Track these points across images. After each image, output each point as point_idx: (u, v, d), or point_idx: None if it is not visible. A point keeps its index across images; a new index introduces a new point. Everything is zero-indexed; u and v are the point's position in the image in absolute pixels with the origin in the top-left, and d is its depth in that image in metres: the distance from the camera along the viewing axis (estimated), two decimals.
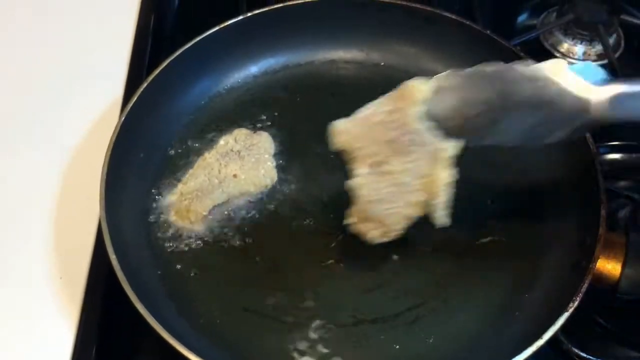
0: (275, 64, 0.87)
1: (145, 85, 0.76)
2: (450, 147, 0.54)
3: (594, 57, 0.97)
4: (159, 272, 0.69)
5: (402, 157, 0.53)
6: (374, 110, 0.55)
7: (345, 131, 0.56)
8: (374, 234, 0.56)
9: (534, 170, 0.76)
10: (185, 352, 0.58)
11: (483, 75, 0.52)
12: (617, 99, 0.48)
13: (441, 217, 0.56)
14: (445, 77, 0.53)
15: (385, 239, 0.57)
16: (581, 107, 0.49)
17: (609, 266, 0.63)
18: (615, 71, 0.91)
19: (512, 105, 0.51)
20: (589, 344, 0.69)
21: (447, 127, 0.53)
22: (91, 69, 0.90)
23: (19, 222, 0.76)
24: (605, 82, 0.49)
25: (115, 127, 0.72)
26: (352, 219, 0.58)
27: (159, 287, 0.68)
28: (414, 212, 0.56)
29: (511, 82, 0.51)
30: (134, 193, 0.73)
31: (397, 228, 0.56)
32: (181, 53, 0.79)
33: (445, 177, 0.54)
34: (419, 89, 0.53)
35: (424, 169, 0.53)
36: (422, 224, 0.73)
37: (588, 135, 0.71)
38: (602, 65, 0.96)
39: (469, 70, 0.53)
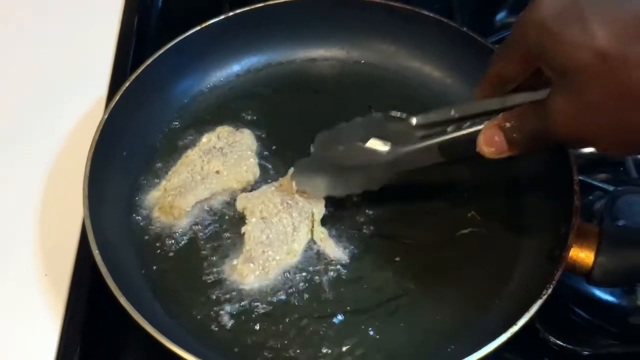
0: (257, 62, 0.88)
1: (127, 84, 0.77)
2: (318, 212, 0.73)
3: None
4: (143, 267, 0.70)
5: (285, 213, 0.72)
6: (271, 185, 0.76)
7: (244, 198, 0.74)
8: (251, 275, 0.69)
9: (510, 163, 0.77)
10: (170, 345, 0.59)
11: (323, 157, 0.73)
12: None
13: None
14: (301, 161, 0.75)
15: (258, 283, 0.69)
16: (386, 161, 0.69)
17: (583, 255, 0.65)
18: None
19: (346, 169, 0.72)
20: (565, 332, 0.71)
21: (308, 193, 0.73)
22: (75, 69, 0.90)
23: (4, 219, 0.77)
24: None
25: (98, 126, 0.73)
26: (237, 260, 0.70)
27: (143, 283, 0.69)
28: (289, 259, 0.70)
29: (342, 155, 0.72)
30: (117, 190, 0.74)
31: (270, 274, 0.69)
32: (164, 52, 0.80)
33: (319, 232, 0.73)
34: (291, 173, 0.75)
35: (299, 223, 0.72)
36: (404, 216, 0.75)
37: None
38: None
39: (314, 154, 0.74)
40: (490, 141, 0.59)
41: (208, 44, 0.84)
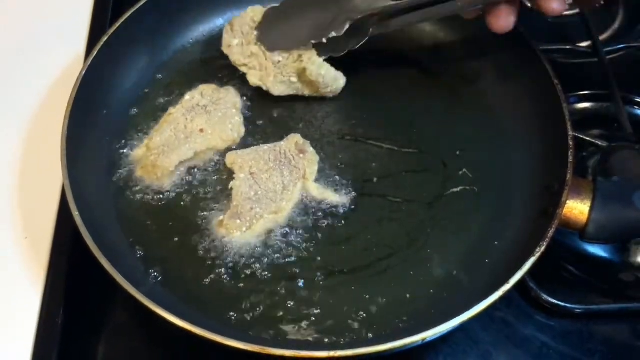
0: None
1: (105, 38, 0.74)
2: (311, 171, 0.71)
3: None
4: (125, 228, 0.68)
5: (276, 171, 0.71)
6: (264, 146, 0.74)
7: (234, 154, 0.72)
8: (238, 232, 0.68)
9: (503, 120, 0.76)
10: (153, 307, 0.58)
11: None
12: None
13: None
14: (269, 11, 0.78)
15: (245, 241, 0.68)
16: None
17: (577, 211, 0.63)
18: (586, 19, 0.90)
19: (312, 11, 0.74)
20: (558, 290, 0.70)
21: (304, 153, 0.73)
22: (53, 24, 0.87)
23: None
24: None
25: (75, 83, 0.70)
26: (224, 216, 0.68)
27: (126, 243, 0.67)
28: (273, 220, 0.69)
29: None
30: (98, 150, 0.72)
31: (257, 231, 0.68)
32: (143, 5, 0.77)
33: (313, 187, 0.71)
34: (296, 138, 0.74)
35: (289, 183, 0.70)
36: (393, 174, 0.73)
37: (557, 82, 0.70)
38: (574, 15, 0.95)
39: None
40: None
41: None
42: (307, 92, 0.77)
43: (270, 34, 0.76)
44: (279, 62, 0.76)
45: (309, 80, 0.75)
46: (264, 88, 0.76)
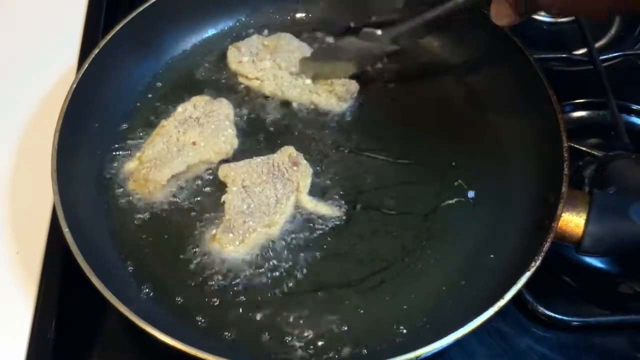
0: (234, 25, 0.85)
1: (96, 51, 0.73)
2: (305, 184, 0.71)
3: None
4: (117, 243, 0.68)
5: (269, 184, 0.70)
6: (258, 158, 0.73)
7: (227, 167, 0.72)
8: (231, 246, 0.67)
9: (498, 132, 0.75)
10: (143, 325, 0.57)
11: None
12: None
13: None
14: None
15: (238, 255, 0.67)
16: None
17: (572, 224, 0.63)
18: (582, 27, 0.89)
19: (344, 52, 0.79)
20: (554, 302, 0.69)
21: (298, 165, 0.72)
22: (45, 37, 0.86)
23: None
24: None
25: (66, 97, 0.70)
26: (216, 230, 0.68)
27: (118, 259, 0.66)
28: (266, 234, 0.68)
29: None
30: (89, 164, 0.71)
31: (250, 245, 0.67)
32: (134, 17, 0.76)
33: (307, 200, 0.71)
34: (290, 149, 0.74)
35: (282, 196, 0.70)
36: (387, 186, 0.72)
37: (552, 93, 0.70)
38: (570, 22, 0.95)
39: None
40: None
41: (181, 7, 0.81)
42: (320, 93, 0.78)
43: (317, 69, 0.79)
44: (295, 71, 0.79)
45: None
46: (279, 95, 0.78)
